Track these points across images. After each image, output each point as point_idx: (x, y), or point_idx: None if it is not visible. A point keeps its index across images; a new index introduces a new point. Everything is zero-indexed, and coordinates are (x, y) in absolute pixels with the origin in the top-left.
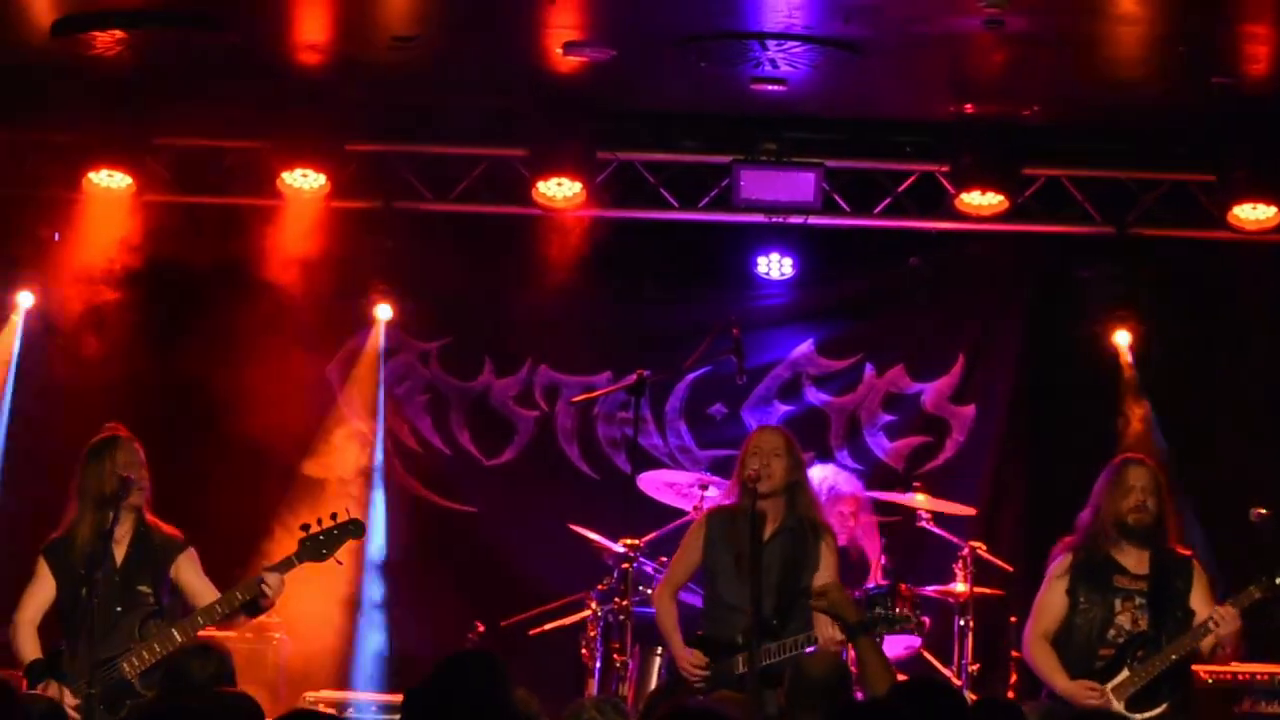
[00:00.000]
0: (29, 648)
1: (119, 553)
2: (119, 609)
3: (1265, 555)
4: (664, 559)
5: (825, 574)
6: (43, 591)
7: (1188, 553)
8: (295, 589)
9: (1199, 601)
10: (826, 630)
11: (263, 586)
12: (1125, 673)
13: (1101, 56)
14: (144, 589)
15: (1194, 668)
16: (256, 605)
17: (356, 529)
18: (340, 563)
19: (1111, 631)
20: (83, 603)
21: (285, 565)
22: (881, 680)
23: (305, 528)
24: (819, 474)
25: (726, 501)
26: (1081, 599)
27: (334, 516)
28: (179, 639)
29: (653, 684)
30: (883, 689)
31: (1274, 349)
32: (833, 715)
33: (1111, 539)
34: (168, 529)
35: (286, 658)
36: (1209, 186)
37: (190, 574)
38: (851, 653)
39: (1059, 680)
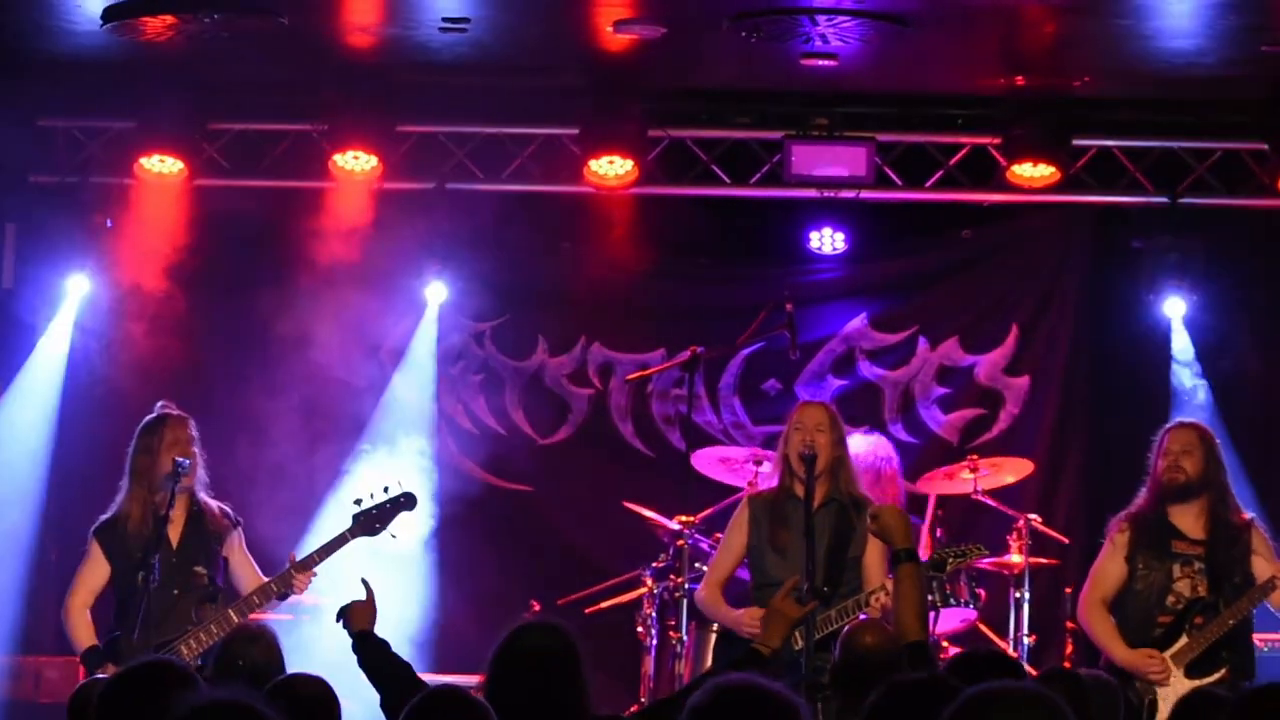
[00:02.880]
0: (84, 633)
1: (174, 535)
2: (176, 592)
3: None
4: (719, 535)
5: (873, 548)
6: (96, 574)
7: (1246, 517)
8: (349, 569)
9: (1260, 564)
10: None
11: (292, 584)
12: (1184, 639)
13: (1151, 26)
14: (200, 570)
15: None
16: (289, 594)
17: (409, 501)
18: (395, 536)
19: (1170, 598)
20: (140, 587)
21: (339, 541)
22: (910, 616)
23: (358, 502)
24: (861, 443)
25: (773, 480)
26: (1140, 565)
27: (385, 489)
28: (235, 620)
29: (708, 661)
30: (912, 626)
31: None
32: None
33: (1162, 504)
34: (219, 508)
35: (341, 639)
36: (1261, 155)
37: (238, 555)
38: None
39: (1118, 649)
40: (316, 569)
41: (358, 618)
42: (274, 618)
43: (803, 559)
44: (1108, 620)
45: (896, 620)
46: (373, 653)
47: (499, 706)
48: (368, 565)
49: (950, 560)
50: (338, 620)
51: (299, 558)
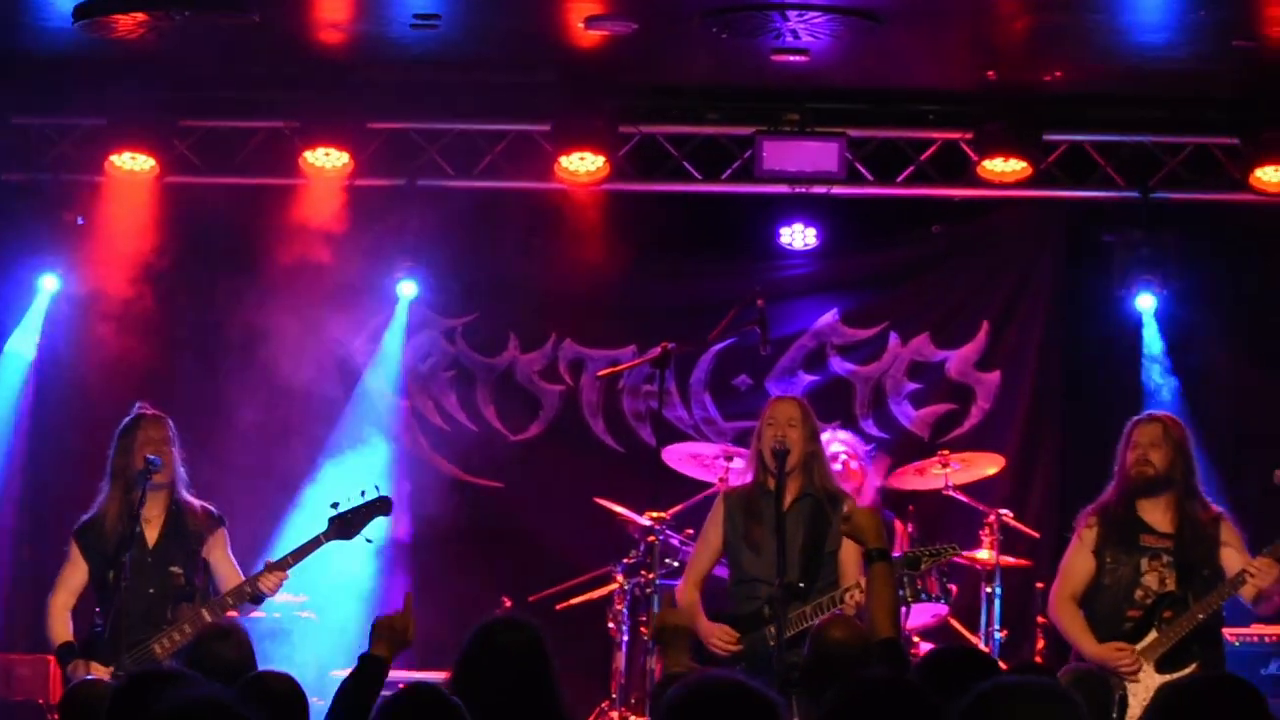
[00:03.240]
0: (60, 630)
1: (151, 534)
2: (151, 590)
3: None
4: (690, 531)
5: (848, 543)
6: (76, 574)
7: (1216, 510)
8: (321, 567)
9: (1230, 557)
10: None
11: (259, 585)
12: (1154, 634)
13: (1123, 21)
14: (176, 570)
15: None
16: (262, 597)
17: (384, 505)
18: (369, 540)
19: (1139, 592)
20: (111, 585)
21: (314, 544)
22: (882, 615)
23: (335, 505)
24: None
25: (747, 476)
26: (1108, 559)
27: (363, 493)
28: (208, 619)
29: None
30: (884, 624)
31: None
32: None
33: (1131, 498)
34: (201, 508)
35: (314, 636)
36: (1232, 150)
37: (219, 553)
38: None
39: (1087, 643)
40: (289, 571)
41: (384, 638)
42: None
43: (774, 554)
44: (1077, 615)
45: (868, 618)
46: (366, 683)
47: (469, 704)
48: (340, 561)
49: (925, 559)
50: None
51: (274, 558)
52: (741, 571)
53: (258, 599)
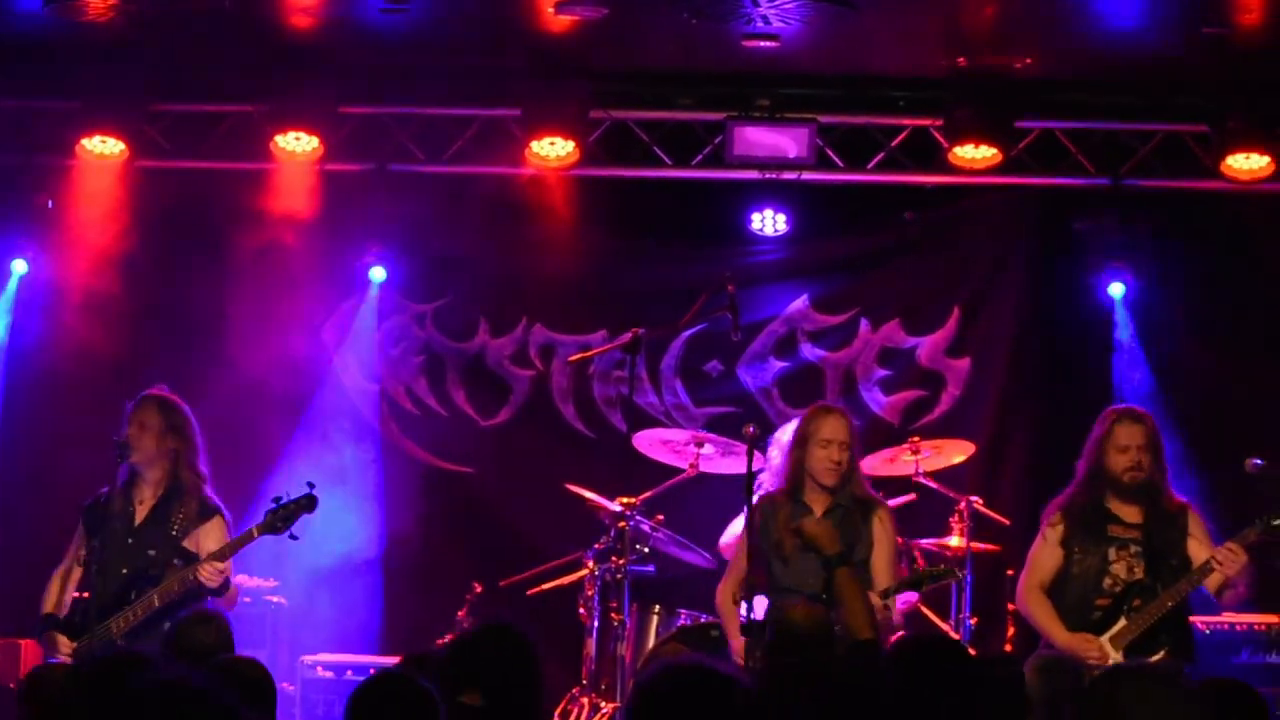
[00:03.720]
0: (49, 601)
1: (140, 515)
2: (125, 571)
3: (1263, 501)
4: (660, 517)
5: (879, 550)
6: (78, 550)
7: (1181, 500)
8: (292, 553)
9: (1196, 548)
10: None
11: (198, 575)
12: (1122, 621)
13: (1093, 8)
14: (152, 553)
15: (1190, 619)
16: (205, 589)
17: (309, 503)
18: (295, 538)
19: (1107, 581)
20: (85, 563)
21: (245, 538)
22: (858, 618)
23: (276, 499)
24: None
25: (776, 483)
26: (1076, 549)
27: (303, 489)
28: (157, 603)
29: (650, 642)
30: (859, 626)
31: (1269, 298)
32: (813, 666)
33: (1101, 491)
34: (199, 498)
35: (284, 621)
36: (1203, 137)
37: (211, 544)
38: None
39: (1057, 632)
40: (228, 562)
41: None
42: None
43: (802, 568)
44: (1045, 604)
45: (844, 622)
46: None
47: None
48: (310, 547)
49: (926, 582)
50: None
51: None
52: (775, 581)
53: (202, 591)
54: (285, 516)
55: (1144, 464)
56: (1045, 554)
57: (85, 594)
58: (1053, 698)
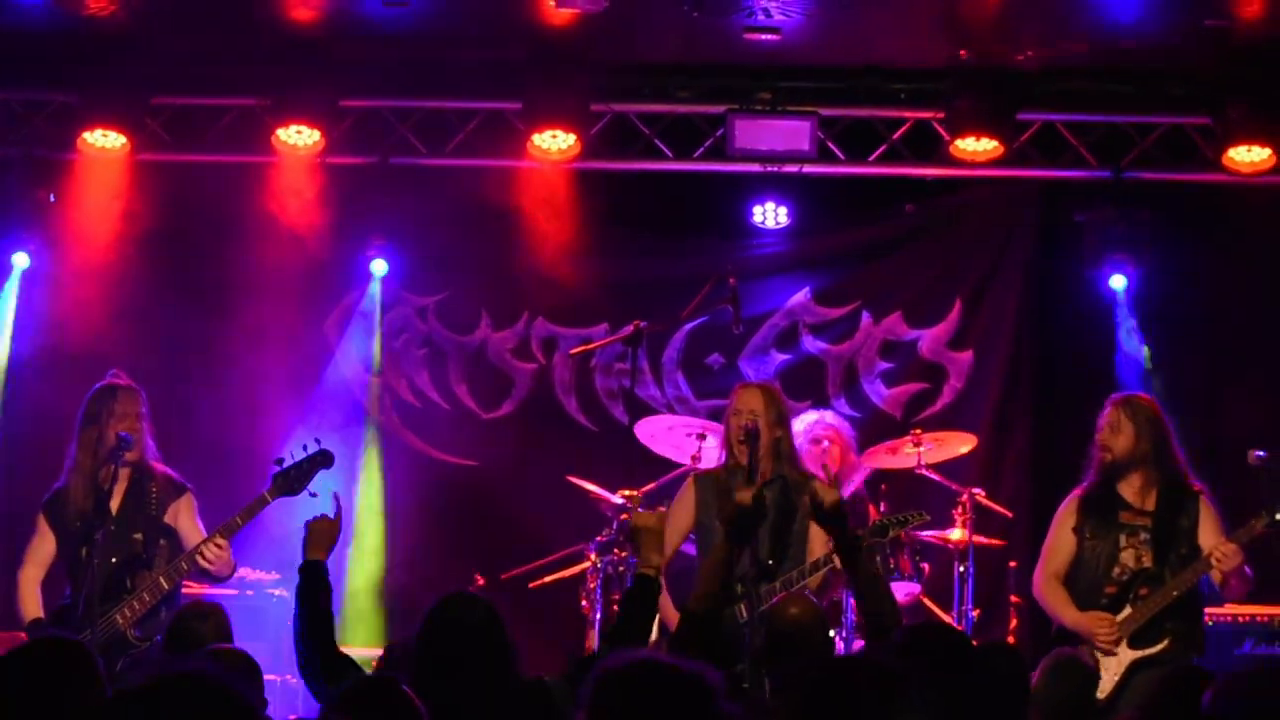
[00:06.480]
0: (30, 605)
1: (114, 502)
2: (114, 560)
3: (1266, 493)
4: (662, 509)
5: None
6: (44, 547)
7: (1198, 488)
8: (293, 545)
9: (1207, 537)
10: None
11: (198, 559)
12: (1128, 609)
13: (1095, 0)
14: (137, 537)
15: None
16: (207, 573)
17: (325, 459)
18: (314, 495)
19: (1116, 568)
20: (83, 561)
21: (259, 503)
22: (872, 593)
23: (279, 461)
24: (811, 418)
25: (720, 459)
26: (1088, 535)
27: (305, 448)
28: (165, 586)
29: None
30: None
31: (1270, 290)
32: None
33: (1106, 477)
34: (165, 475)
35: (286, 614)
36: (1204, 129)
37: (186, 520)
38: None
39: (1068, 613)
40: (225, 541)
41: (315, 541)
42: (220, 593)
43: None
44: (1060, 590)
45: (857, 599)
46: (311, 586)
47: (429, 675)
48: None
49: (892, 527)
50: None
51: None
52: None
53: (204, 573)
54: (299, 476)
55: (1110, 445)
56: (1060, 539)
57: (70, 589)
58: (1062, 700)
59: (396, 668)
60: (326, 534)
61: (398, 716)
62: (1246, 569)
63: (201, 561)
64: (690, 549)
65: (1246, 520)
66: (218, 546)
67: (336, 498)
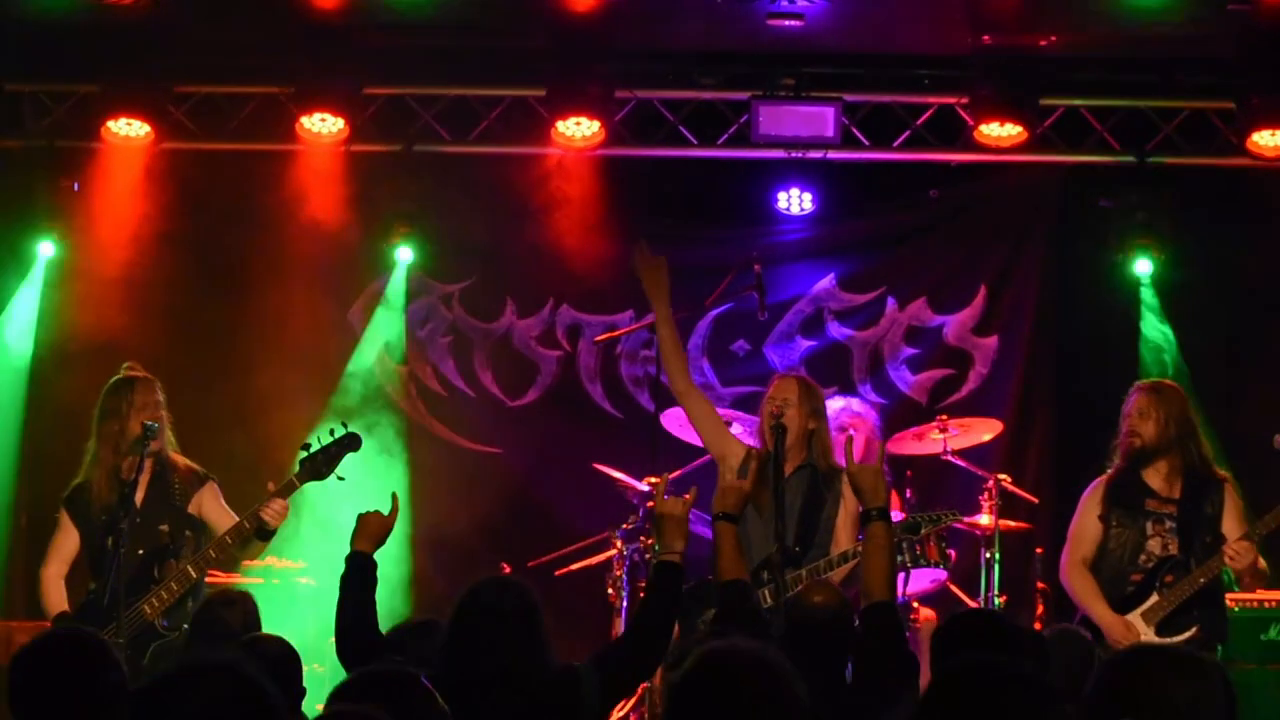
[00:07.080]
0: (55, 600)
1: (138, 495)
2: (140, 551)
3: None
4: (689, 496)
5: (842, 513)
6: (67, 543)
7: (1224, 475)
8: (320, 533)
9: (1231, 525)
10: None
11: (261, 515)
12: (1154, 597)
13: None
14: (163, 528)
15: (1226, 596)
16: (266, 530)
17: (353, 442)
18: (341, 479)
19: (1142, 556)
20: (110, 553)
21: (287, 488)
22: (878, 578)
23: (306, 446)
24: (838, 405)
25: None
26: (1114, 523)
27: (332, 432)
28: (194, 575)
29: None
30: (878, 587)
31: None
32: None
33: (1132, 464)
34: (186, 465)
35: (313, 602)
36: (1228, 114)
37: (213, 508)
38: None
39: (1098, 608)
40: (285, 501)
41: (363, 533)
42: (246, 581)
43: (773, 519)
44: (1089, 580)
45: (863, 581)
46: (351, 575)
47: (459, 662)
48: (339, 527)
49: (924, 525)
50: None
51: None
52: (744, 535)
53: (264, 533)
54: (327, 460)
55: (1139, 431)
56: (1086, 525)
57: (96, 583)
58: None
59: (400, 649)
60: (376, 527)
61: (393, 702)
62: (1260, 563)
63: (266, 515)
64: (701, 530)
65: (1267, 510)
66: (280, 507)
67: (395, 498)
